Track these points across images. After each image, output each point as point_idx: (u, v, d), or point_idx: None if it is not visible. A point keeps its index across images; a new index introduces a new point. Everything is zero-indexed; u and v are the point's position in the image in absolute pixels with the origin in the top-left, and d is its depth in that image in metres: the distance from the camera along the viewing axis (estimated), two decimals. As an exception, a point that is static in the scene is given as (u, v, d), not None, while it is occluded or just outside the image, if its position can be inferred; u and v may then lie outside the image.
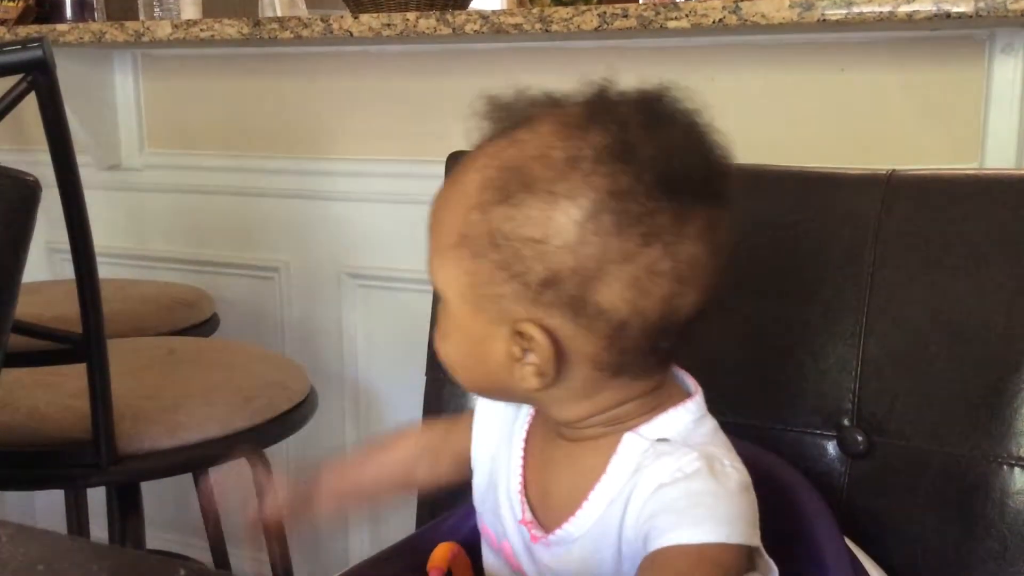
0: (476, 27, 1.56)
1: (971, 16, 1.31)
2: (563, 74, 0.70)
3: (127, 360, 1.40)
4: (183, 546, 2.03)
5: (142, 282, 1.92)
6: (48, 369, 1.37)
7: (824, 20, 1.37)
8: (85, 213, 1.14)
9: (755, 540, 0.61)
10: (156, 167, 2.09)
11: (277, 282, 2.02)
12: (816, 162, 0.87)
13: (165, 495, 1.99)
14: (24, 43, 1.07)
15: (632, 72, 0.69)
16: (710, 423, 0.66)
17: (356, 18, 1.65)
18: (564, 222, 0.60)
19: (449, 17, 1.58)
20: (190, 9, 2.06)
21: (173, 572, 0.54)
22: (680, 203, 0.60)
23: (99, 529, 1.89)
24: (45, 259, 2.12)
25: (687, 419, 0.65)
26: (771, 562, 0.64)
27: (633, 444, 0.64)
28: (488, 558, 0.74)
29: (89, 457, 1.19)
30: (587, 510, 0.65)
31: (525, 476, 0.70)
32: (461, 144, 1.04)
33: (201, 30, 1.76)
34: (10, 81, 1.08)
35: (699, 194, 0.61)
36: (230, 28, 1.73)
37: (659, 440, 0.64)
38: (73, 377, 1.25)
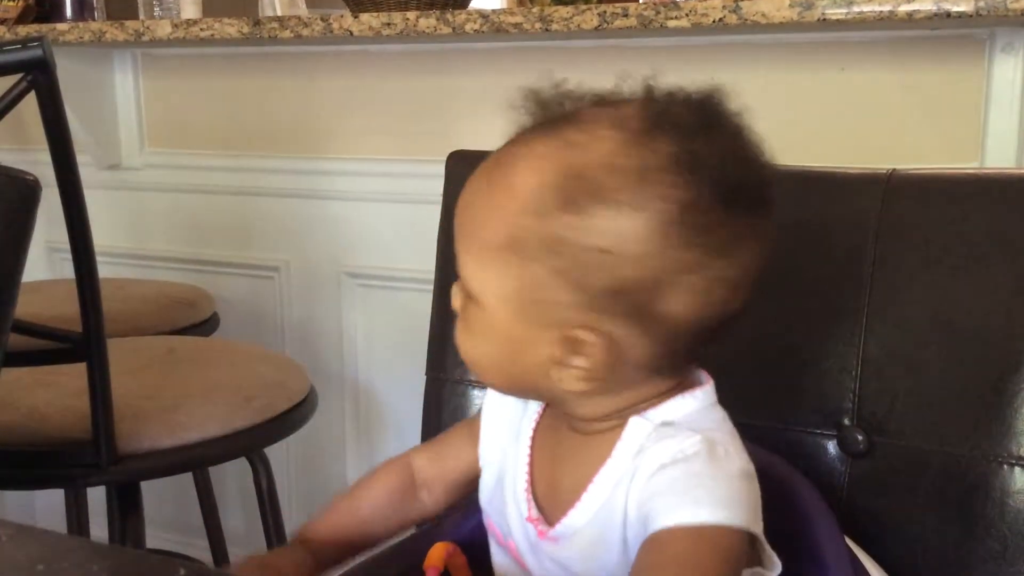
0: (476, 26, 1.56)
1: (971, 15, 1.31)
2: (563, 74, 0.70)
3: (127, 360, 1.40)
4: (183, 546, 2.03)
5: (142, 281, 1.92)
6: (48, 368, 1.37)
7: (824, 19, 1.37)
8: (85, 212, 1.14)
9: (756, 528, 0.61)
10: (156, 166, 2.09)
11: (277, 282, 2.02)
12: (816, 161, 0.87)
13: (165, 495, 1.99)
14: (24, 42, 1.07)
15: (632, 72, 0.69)
16: (718, 412, 0.67)
17: (356, 17, 1.65)
18: (633, 234, 0.60)
19: (449, 16, 1.58)
20: (190, 8, 2.06)
21: (173, 572, 0.54)
22: (738, 213, 0.61)
23: (99, 529, 1.89)
24: (45, 258, 2.12)
25: (694, 405, 0.66)
26: (775, 557, 0.64)
27: (638, 427, 0.65)
28: (496, 555, 0.74)
29: (89, 457, 1.19)
30: (592, 493, 0.65)
31: (532, 474, 0.71)
32: (461, 143, 1.04)
33: (201, 29, 1.76)
34: (10, 80, 1.08)
35: (753, 203, 0.63)
36: (230, 27, 1.73)
37: (663, 423, 0.65)
38: (73, 376, 1.25)
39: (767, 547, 0.63)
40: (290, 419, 1.37)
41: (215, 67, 2.02)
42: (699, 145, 0.60)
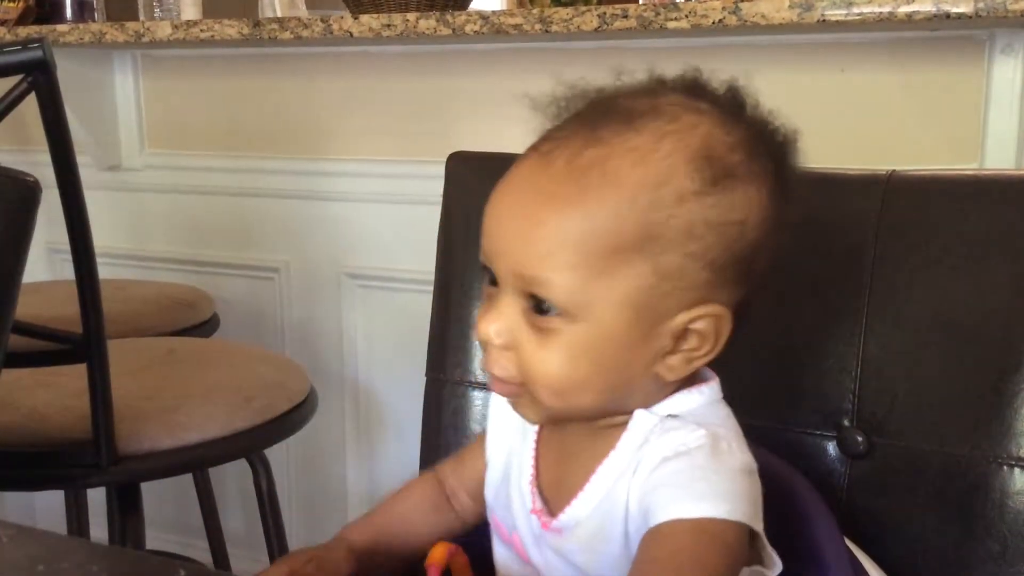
0: (476, 28, 1.56)
1: (971, 17, 1.32)
2: (563, 75, 0.70)
3: (127, 360, 1.40)
4: (183, 546, 2.03)
5: (142, 282, 1.92)
6: (48, 369, 1.37)
7: (824, 21, 1.37)
8: (85, 213, 1.14)
9: (757, 523, 0.61)
10: (156, 167, 2.09)
11: (277, 282, 2.02)
12: (816, 162, 0.87)
13: (165, 495, 1.99)
14: (24, 43, 1.07)
15: (632, 73, 0.69)
16: (723, 409, 0.67)
17: (356, 19, 1.65)
18: (758, 201, 0.63)
19: (449, 18, 1.58)
20: (190, 10, 2.06)
21: (173, 572, 0.54)
22: (794, 163, 0.67)
23: (99, 529, 1.89)
24: (45, 259, 2.12)
25: (700, 400, 0.66)
26: (775, 555, 0.64)
27: (643, 420, 0.65)
28: (499, 551, 0.74)
29: (89, 457, 1.19)
30: (595, 485, 0.65)
31: (538, 467, 0.71)
32: (461, 144, 1.04)
33: (201, 31, 1.76)
34: (10, 81, 1.08)
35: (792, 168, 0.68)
36: (230, 29, 1.73)
37: (669, 416, 0.65)
38: (73, 377, 1.25)
39: (767, 545, 0.63)
40: (290, 420, 1.37)
41: (215, 68, 2.02)
42: (757, 115, 0.66)
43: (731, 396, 0.68)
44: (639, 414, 0.65)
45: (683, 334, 0.63)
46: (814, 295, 0.84)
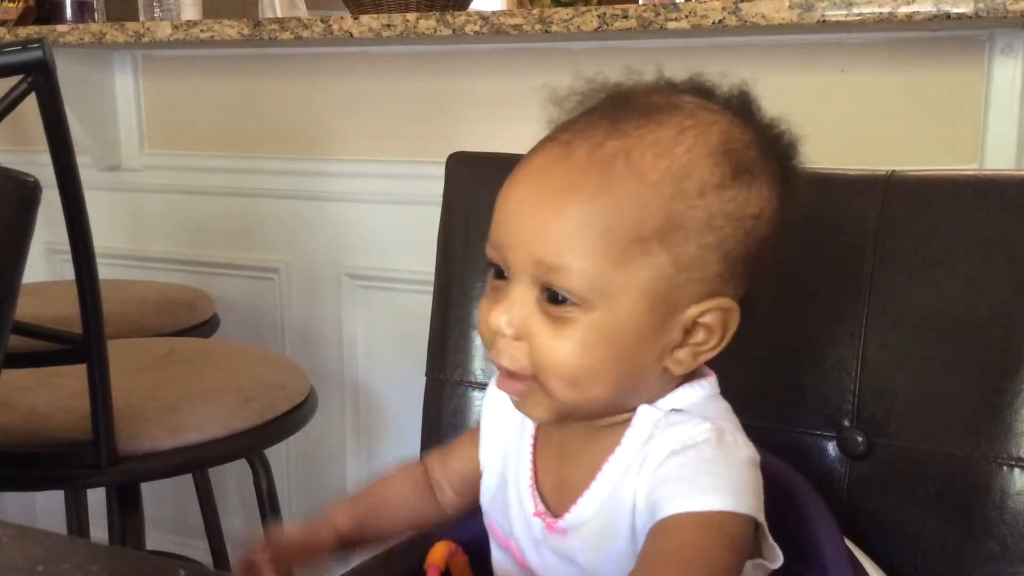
0: (476, 28, 1.56)
1: (971, 17, 1.32)
2: (563, 75, 0.70)
3: (127, 361, 1.40)
4: (183, 547, 2.03)
5: (142, 283, 1.92)
6: (48, 370, 1.37)
7: (824, 21, 1.37)
8: (85, 214, 1.14)
9: (761, 515, 0.62)
10: (156, 168, 2.09)
11: (277, 283, 2.02)
12: (816, 162, 0.87)
13: (165, 496, 1.99)
14: (24, 44, 1.07)
15: (641, 73, 0.69)
16: (722, 403, 0.68)
17: (356, 19, 1.65)
18: (770, 197, 0.65)
19: (449, 18, 1.58)
20: (190, 10, 2.06)
21: (173, 573, 0.54)
22: (797, 160, 0.69)
23: (99, 530, 1.89)
24: (45, 260, 2.12)
25: (701, 394, 0.67)
26: (776, 548, 0.64)
27: (648, 415, 0.65)
28: (496, 555, 0.74)
29: (89, 458, 1.19)
30: (601, 482, 0.66)
31: (536, 470, 0.71)
32: (461, 145, 1.04)
33: (201, 31, 1.76)
34: (10, 82, 1.08)
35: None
36: (230, 29, 1.73)
37: (673, 411, 0.65)
38: (73, 378, 1.25)
39: (769, 537, 0.63)
40: (290, 420, 1.37)
41: (215, 68, 2.02)
42: (765, 116, 0.68)
43: (732, 396, 0.68)
44: (643, 409, 0.66)
45: (692, 327, 0.64)
46: (814, 295, 0.84)
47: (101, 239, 1.21)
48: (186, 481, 1.76)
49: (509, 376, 0.65)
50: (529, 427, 0.73)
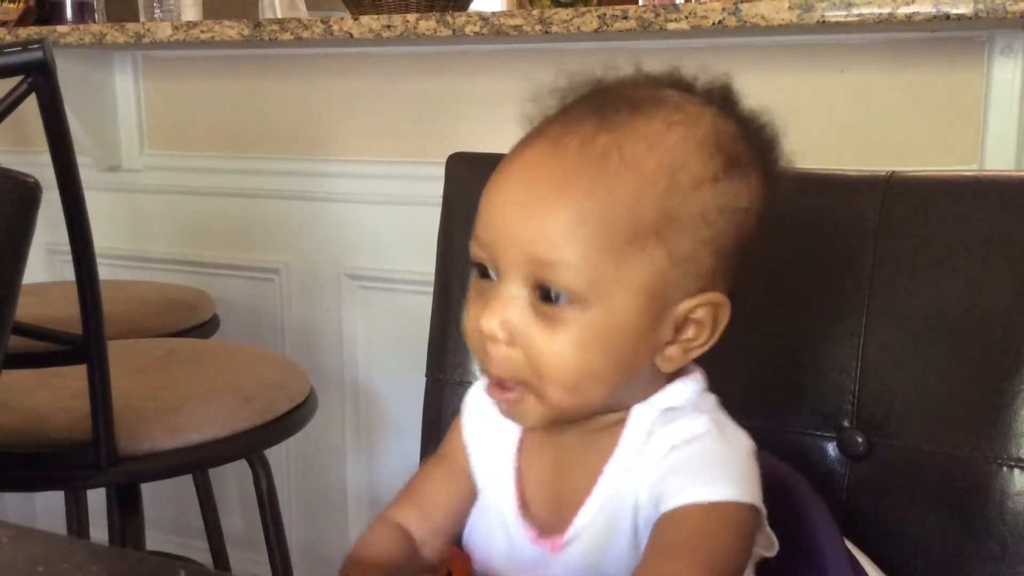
0: (476, 28, 1.56)
1: (970, 18, 1.32)
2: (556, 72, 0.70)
3: (127, 361, 1.40)
4: (183, 548, 2.03)
5: (142, 283, 1.92)
6: (48, 370, 1.37)
7: (824, 22, 1.37)
8: (85, 214, 1.14)
9: (762, 504, 0.62)
10: (156, 168, 2.10)
11: (277, 283, 2.02)
12: (816, 163, 0.87)
13: (165, 496, 1.99)
14: (25, 44, 1.07)
15: (618, 69, 0.69)
16: (712, 397, 0.67)
17: (356, 20, 1.65)
18: (759, 190, 0.65)
19: (449, 19, 1.58)
20: (190, 11, 2.06)
21: (173, 573, 0.54)
22: (779, 153, 0.68)
23: (99, 530, 1.89)
24: (45, 260, 2.12)
25: (693, 388, 0.66)
26: (773, 536, 0.64)
27: (643, 414, 0.65)
28: (478, 570, 0.73)
29: (89, 458, 1.19)
30: (603, 486, 0.65)
31: (523, 491, 0.68)
32: (461, 145, 1.04)
33: (201, 31, 1.76)
34: (11, 82, 1.08)
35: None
36: (230, 30, 1.73)
37: (668, 408, 0.65)
38: (73, 378, 1.25)
39: (766, 526, 0.64)
40: (290, 421, 1.37)
41: (215, 69, 2.02)
42: (746, 109, 0.67)
43: (732, 397, 0.68)
44: (638, 408, 0.65)
45: (683, 323, 0.63)
46: (814, 296, 0.84)
47: (101, 239, 1.21)
48: (186, 481, 1.76)
49: (500, 384, 0.63)
50: (510, 446, 0.70)
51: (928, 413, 0.78)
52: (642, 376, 0.65)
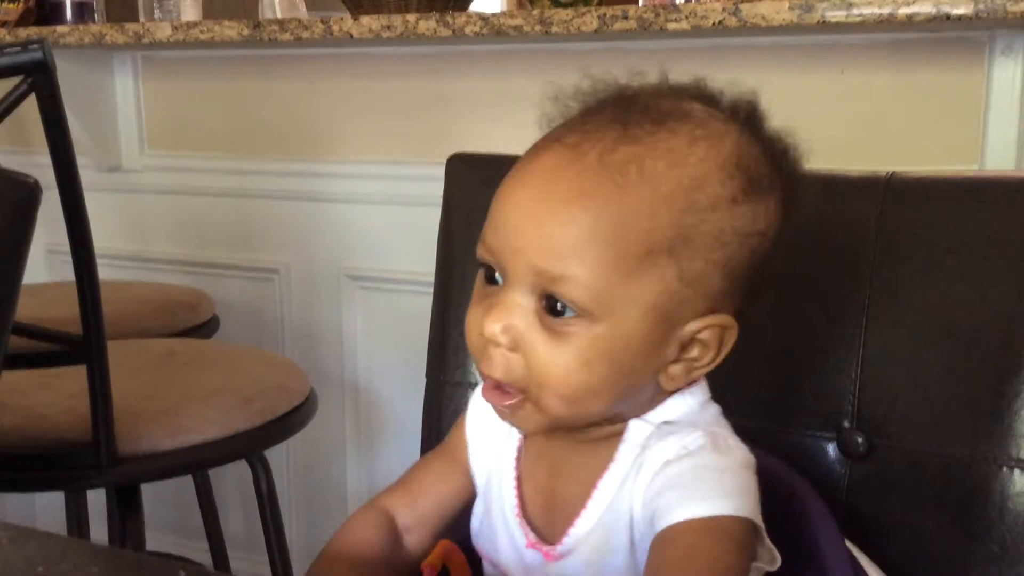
0: (476, 29, 1.56)
1: (971, 18, 1.32)
2: (563, 76, 0.70)
3: (127, 362, 1.40)
4: (183, 548, 2.03)
5: (142, 284, 1.92)
6: (48, 371, 1.37)
7: (824, 22, 1.37)
8: (85, 215, 1.14)
9: (759, 518, 0.61)
10: (156, 169, 2.10)
11: (277, 284, 2.02)
12: (815, 164, 0.87)
13: (165, 497, 1.99)
14: (24, 45, 1.07)
15: (644, 74, 0.69)
16: (714, 408, 0.66)
17: (356, 20, 1.65)
18: (776, 213, 0.64)
19: (449, 19, 1.58)
20: (190, 11, 2.06)
21: (173, 574, 0.54)
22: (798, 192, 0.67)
23: (99, 531, 1.89)
24: (45, 261, 2.12)
25: (692, 403, 0.65)
26: (775, 550, 0.63)
27: (639, 429, 0.64)
28: (489, 569, 0.73)
29: (89, 459, 1.19)
30: (597, 500, 0.64)
31: (522, 493, 0.69)
32: (461, 146, 1.04)
33: (201, 32, 1.76)
34: (10, 83, 1.08)
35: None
36: (230, 30, 1.73)
37: (664, 423, 0.64)
38: (73, 379, 1.25)
39: (766, 539, 0.63)
40: (290, 421, 1.37)
41: (215, 69, 2.02)
42: (771, 130, 0.66)
43: (731, 398, 0.68)
44: (635, 424, 0.65)
45: (688, 343, 0.63)
46: (814, 297, 0.84)
47: (101, 240, 1.21)
48: (186, 482, 1.76)
49: (498, 388, 0.62)
50: (511, 447, 0.70)
51: (928, 413, 0.78)
52: (643, 392, 0.64)
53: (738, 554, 0.59)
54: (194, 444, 1.26)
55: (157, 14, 2.09)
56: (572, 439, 0.66)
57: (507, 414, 0.64)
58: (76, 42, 1.87)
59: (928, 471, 0.78)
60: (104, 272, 1.22)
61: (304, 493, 2.06)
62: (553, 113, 0.66)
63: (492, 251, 0.62)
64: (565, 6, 1.69)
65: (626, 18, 1.47)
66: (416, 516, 0.73)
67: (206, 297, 1.82)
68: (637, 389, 0.63)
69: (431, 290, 1.01)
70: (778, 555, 0.64)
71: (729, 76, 0.68)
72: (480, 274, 0.65)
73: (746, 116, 0.65)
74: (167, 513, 2.07)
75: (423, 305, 1.04)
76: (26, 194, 0.99)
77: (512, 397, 0.62)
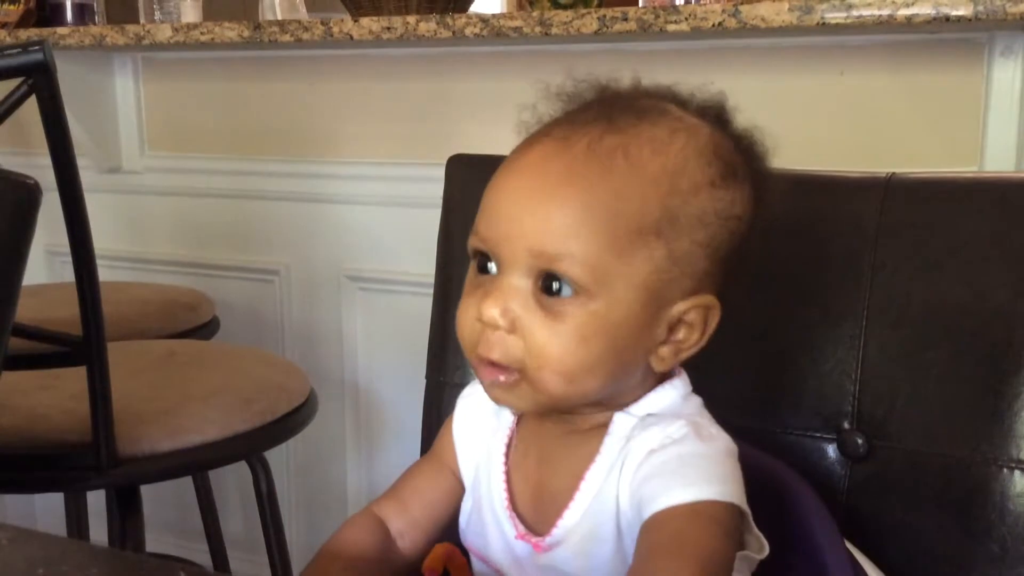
0: (476, 30, 1.56)
1: (970, 19, 1.32)
2: (562, 77, 0.70)
3: (127, 363, 1.40)
4: (183, 549, 2.03)
5: (142, 285, 1.92)
6: (48, 372, 1.37)
7: (823, 23, 1.37)
8: (85, 216, 1.14)
9: (745, 504, 0.62)
10: (156, 170, 2.10)
11: (277, 285, 2.02)
12: (815, 165, 0.87)
13: (165, 498, 1.99)
14: (25, 46, 1.07)
15: (631, 75, 0.69)
16: (696, 400, 0.69)
17: (356, 21, 1.65)
18: (751, 199, 0.67)
19: (449, 20, 1.58)
20: (190, 12, 2.06)
21: (172, 575, 0.54)
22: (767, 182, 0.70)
23: (99, 531, 1.89)
24: (45, 262, 2.12)
25: (674, 395, 0.68)
26: (761, 537, 0.65)
27: (623, 422, 0.66)
28: (477, 566, 0.74)
29: (89, 460, 1.19)
30: (584, 491, 0.66)
31: (511, 485, 0.70)
32: (461, 147, 1.04)
33: (201, 33, 1.76)
34: (11, 84, 1.08)
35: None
36: (230, 31, 1.73)
37: (647, 415, 0.66)
38: (73, 380, 1.25)
39: (754, 527, 0.64)
40: (290, 422, 1.37)
41: (215, 71, 2.02)
42: (739, 126, 0.69)
43: (731, 399, 0.68)
44: (618, 416, 0.66)
45: (676, 324, 0.65)
46: (814, 298, 0.84)
47: (101, 241, 1.21)
48: (186, 483, 1.76)
49: (495, 368, 0.64)
50: (500, 442, 0.72)
51: (928, 414, 0.78)
52: (635, 374, 0.66)
53: (724, 538, 0.60)
54: (194, 445, 1.26)
55: (157, 15, 2.09)
56: (561, 428, 0.68)
57: (503, 394, 0.65)
58: (76, 43, 1.87)
59: (928, 471, 0.78)
60: (104, 273, 1.22)
61: (304, 494, 2.06)
62: (538, 112, 0.69)
63: (486, 240, 0.65)
64: (565, 7, 1.69)
65: (626, 19, 1.47)
66: (408, 521, 0.75)
67: (206, 298, 1.82)
68: (629, 369, 0.65)
69: (431, 291, 1.01)
70: (766, 542, 0.65)
71: (729, 77, 0.69)
72: (472, 266, 0.67)
73: (716, 115, 0.69)
74: (167, 514, 2.07)
75: (423, 306, 1.04)
76: (26, 195, 0.99)
77: (508, 377, 0.64)
